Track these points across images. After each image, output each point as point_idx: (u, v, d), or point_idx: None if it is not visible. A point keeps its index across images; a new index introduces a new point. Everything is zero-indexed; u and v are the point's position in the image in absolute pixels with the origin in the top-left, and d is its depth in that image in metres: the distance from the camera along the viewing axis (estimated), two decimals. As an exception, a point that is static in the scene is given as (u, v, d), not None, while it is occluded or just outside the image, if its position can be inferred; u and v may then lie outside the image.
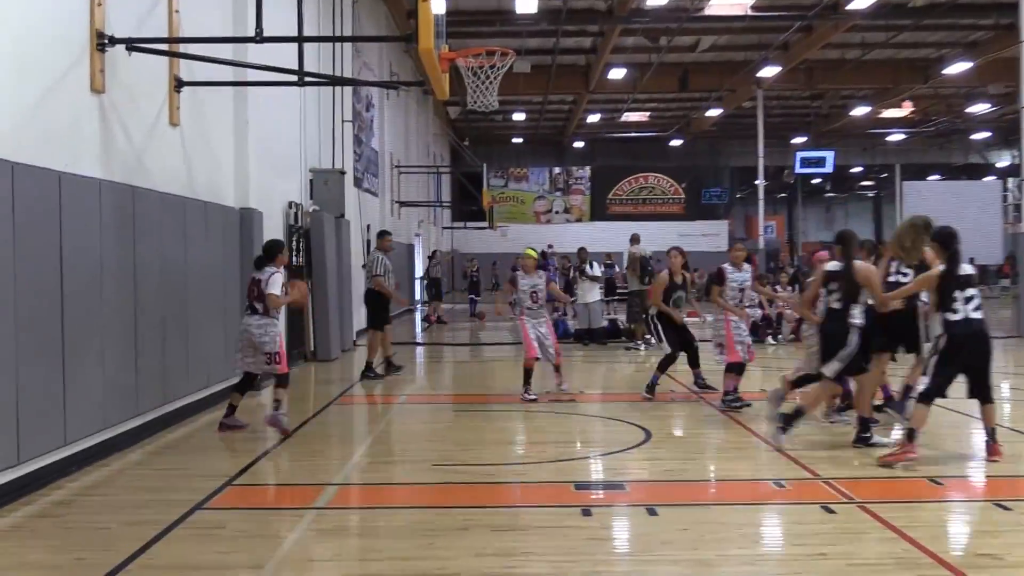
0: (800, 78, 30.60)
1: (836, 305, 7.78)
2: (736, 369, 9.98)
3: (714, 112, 34.94)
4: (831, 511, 6.04)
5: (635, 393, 11.06)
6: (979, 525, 5.70)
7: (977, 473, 7.28)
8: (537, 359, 10.74)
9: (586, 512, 6.01)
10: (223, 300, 10.46)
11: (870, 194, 57.05)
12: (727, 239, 43.51)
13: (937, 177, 45.76)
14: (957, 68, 26.63)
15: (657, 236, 41.92)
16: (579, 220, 43.27)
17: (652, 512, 6.02)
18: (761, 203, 31.96)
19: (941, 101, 34.87)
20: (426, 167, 30.93)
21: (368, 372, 12.72)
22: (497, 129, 42.14)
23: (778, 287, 18.12)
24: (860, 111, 34.04)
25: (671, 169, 43.36)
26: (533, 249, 11.73)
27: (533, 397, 10.57)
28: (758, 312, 17.36)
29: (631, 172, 43.37)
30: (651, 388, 10.75)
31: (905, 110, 35.47)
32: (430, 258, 26.36)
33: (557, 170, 44.32)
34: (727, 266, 10.28)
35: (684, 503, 6.38)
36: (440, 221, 38.47)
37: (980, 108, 33.41)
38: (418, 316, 25.69)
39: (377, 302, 13.01)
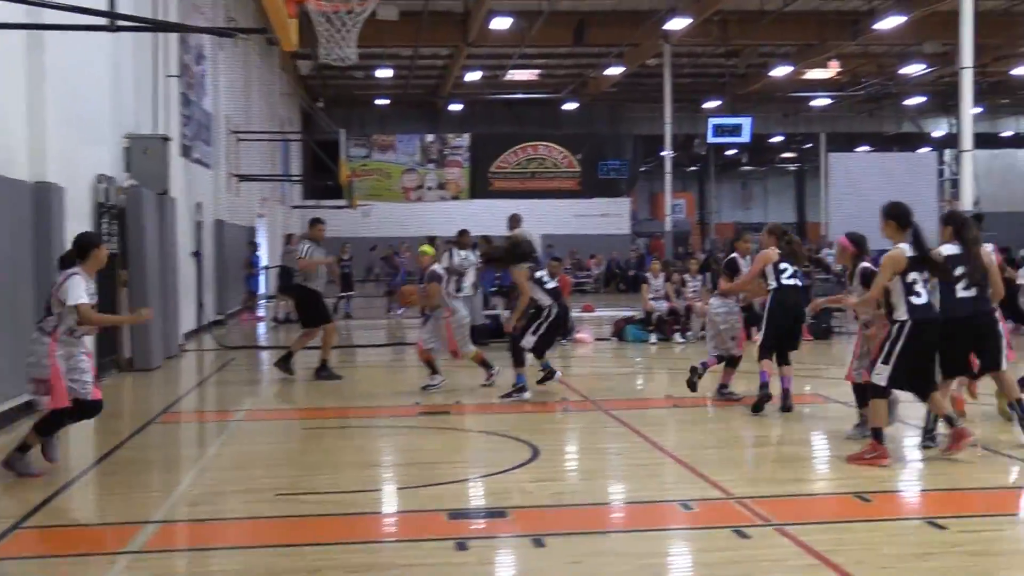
0: (713, 32, 31.24)
1: (969, 293, 8.11)
2: (733, 363, 11.13)
3: (614, 71, 35.42)
4: (745, 536, 6.18)
5: (520, 403, 11.17)
6: (910, 547, 5.91)
7: (910, 487, 7.59)
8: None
9: (461, 546, 6.00)
10: (10, 301, 10.07)
11: (792, 167, 58.81)
12: (629, 220, 44.26)
13: (866, 148, 47.54)
14: (890, 23, 27.62)
15: (549, 216, 42.55)
16: (456, 198, 43.32)
17: (539, 543, 6.06)
18: (668, 177, 32.57)
19: (872, 61, 36.13)
20: (271, 134, 30.46)
21: (321, 371, 13.31)
22: (358, 88, 41.83)
23: (687, 276, 18.47)
24: (781, 71, 34.99)
25: (564, 138, 43.77)
26: (429, 246, 12.86)
27: (436, 383, 11.93)
28: (663, 305, 17.77)
29: (517, 141, 43.61)
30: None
31: (831, 71, 36.62)
32: (287, 242, 26.00)
33: (430, 138, 44.24)
34: (737, 256, 11.32)
35: (576, 531, 6.44)
36: (289, 199, 37.96)
37: (915, 69, 34.76)
38: (263, 314, 25.29)
39: (307, 298, 13.54)
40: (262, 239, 29.47)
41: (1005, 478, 8.08)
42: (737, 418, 10.82)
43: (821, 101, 42.02)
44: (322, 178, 32.48)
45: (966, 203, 18.86)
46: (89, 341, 8.88)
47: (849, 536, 6.11)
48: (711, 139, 37.53)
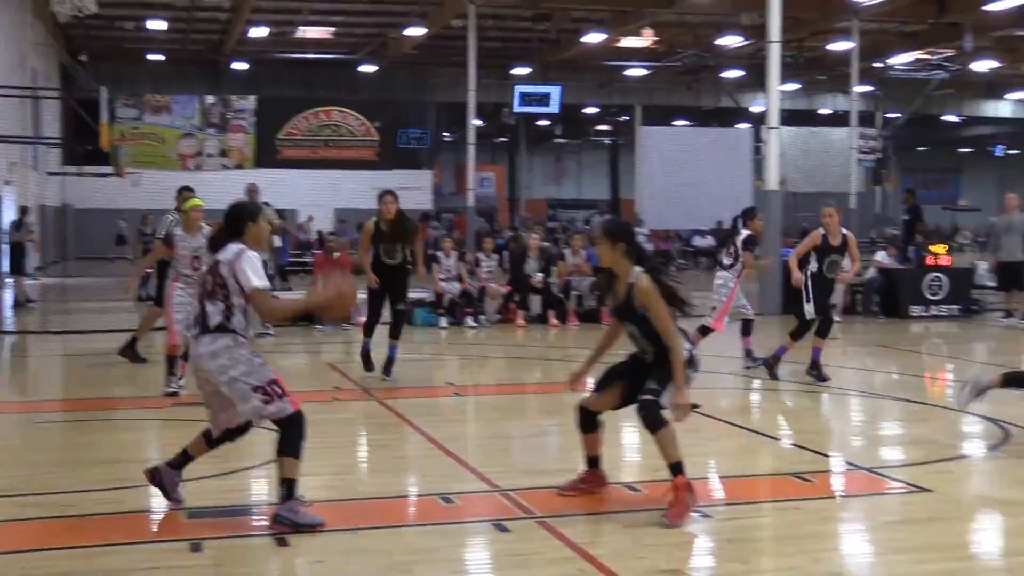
0: (523, -7, 31.69)
1: None
2: (706, 333, 12.74)
3: (416, 32, 35.44)
4: (504, 529, 6.40)
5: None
6: (668, 536, 6.22)
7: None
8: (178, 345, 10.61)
9: (196, 547, 6.00)
10: None
11: (607, 141, 60.02)
12: (432, 194, 44.37)
13: (684, 122, 48.96)
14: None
15: (343, 189, 42.30)
16: (240, 166, 42.44)
17: (283, 542, 6.12)
18: (471, 149, 32.81)
19: (688, 31, 37.21)
20: (21, 89, 29.26)
21: (128, 350, 13.41)
22: (128, 42, 40.51)
23: (481, 256, 18.73)
24: (594, 38, 35.67)
25: (361, 103, 43.49)
26: (199, 199, 11.63)
27: (174, 389, 10.73)
28: (455, 287, 17.95)
29: (309, 106, 43.02)
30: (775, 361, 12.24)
31: (647, 40, 37.52)
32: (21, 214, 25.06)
33: (211, 100, 43.21)
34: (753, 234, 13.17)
35: (323, 529, 6.50)
36: (43, 164, 36.58)
37: (732, 41, 35.95)
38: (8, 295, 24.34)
39: (164, 274, 13.20)
40: (8, 209, 28.23)
41: (767, 464, 8.62)
42: (518, 407, 11.13)
43: (637, 71, 43.01)
44: (85, 142, 31.42)
45: (772, 183, 19.67)
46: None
47: (611, 527, 6.39)
48: (517, 108, 37.92)
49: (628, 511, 6.83)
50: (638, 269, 6.55)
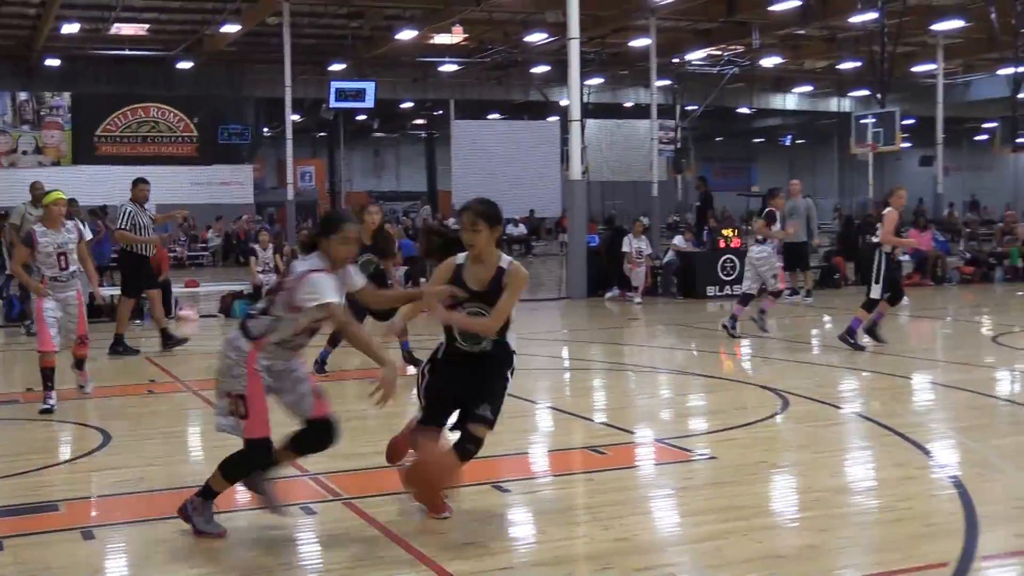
0: (336, -9, 31.41)
1: None
2: (777, 294, 15.06)
3: (231, 28, 34.71)
4: (312, 511, 6.41)
5: (101, 386, 10.85)
6: (470, 512, 6.30)
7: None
8: (56, 352, 9.80)
9: (-4, 546, 5.82)
10: None
11: (423, 135, 60.04)
12: (252, 188, 43.63)
13: (496, 115, 49.30)
14: (512, -12, 28.84)
15: (165, 184, 41.10)
16: (57, 163, 40.89)
17: (89, 536, 6.03)
18: (289, 144, 32.49)
19: (497, 28, 37.42)
20: None
21: (117, 347, 13.35)
22: (-68, 37, 38.61)
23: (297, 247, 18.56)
24: (407, 35, 35.57)
25: (179, 100, 42.36)
26: (62, 192, 10.36)
27: (50, 406, 9.67)
28: (273, 278, 17.71)
29: (127, 102, 41.64)
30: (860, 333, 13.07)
31: (458, 36, 37.69)
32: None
33: (23, 96, 41.50)
34: (775, 209, 14.86)
35: (132, 520, 6.38)
36: None
37: (538, 38, 36.34)
38: None
39: (128, 263, 13.62)
40: None
41: (566, 439, 8.80)
42: (335, 393, 11.00)
43: (449, 67, 43.08)
44: None
45: (575, 172, 20.03)
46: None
47: (411, 506, 6.41)
48: (333, 103, 37.55)
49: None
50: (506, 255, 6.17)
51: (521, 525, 6.37)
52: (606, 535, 5.91)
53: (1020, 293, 21.75)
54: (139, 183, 13.62)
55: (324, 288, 5.59)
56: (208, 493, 5.96)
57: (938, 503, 6.47)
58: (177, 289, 18.37)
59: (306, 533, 6.15)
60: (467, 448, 6.05)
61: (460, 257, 6.16)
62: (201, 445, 8.73)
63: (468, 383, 6.13)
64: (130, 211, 13.21)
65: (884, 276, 12.84)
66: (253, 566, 5.53)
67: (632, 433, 8.91)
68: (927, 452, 7.73)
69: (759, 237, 14.86)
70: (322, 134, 54.65)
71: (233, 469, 5.99)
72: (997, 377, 11.79)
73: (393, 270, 12.02)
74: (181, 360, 13.27)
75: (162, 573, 5.48)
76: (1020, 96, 35.23)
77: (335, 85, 37.23)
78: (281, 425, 6.12)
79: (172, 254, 22.29)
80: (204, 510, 5.94)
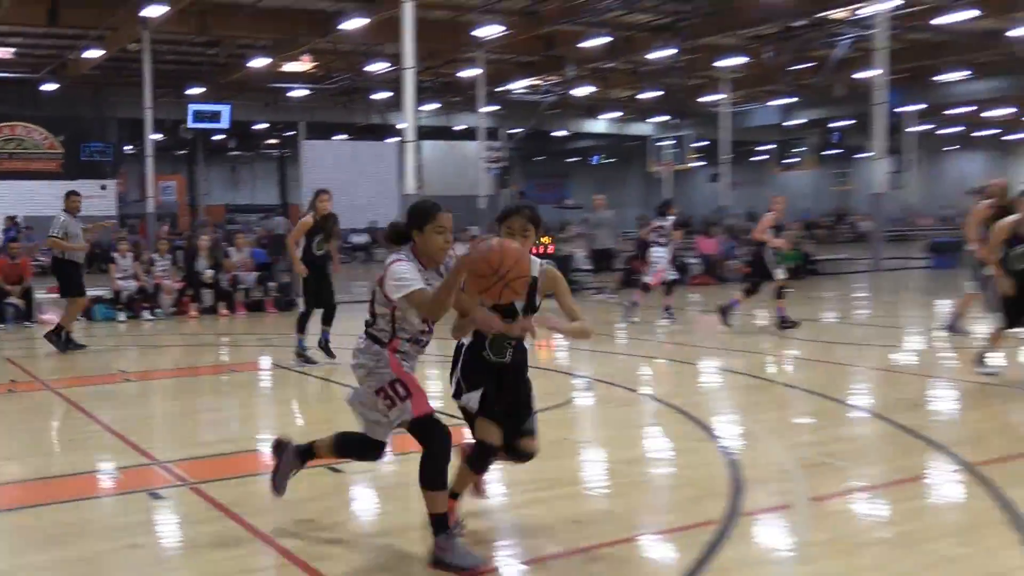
0: (192, 22, 30.49)
1: None
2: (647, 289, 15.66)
3: (94, 54, 33.44)
4: (160, 496, 6.23)
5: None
6: (306, 492, 6.21)
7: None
8: None
9: None
10: None
11: (276, 153, 59.11)
12: (116, 202, 42.13)
13: (343, 137, 48.84)
14: (353, 24, 28.61)
15: (32, 198, 39.37)
16: (-75, 178, 38.83)
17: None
18: (149, 161, 31.52)
19: (341, 57, 37.05)
20: None
21: (57, 336, 13.06)
22: None
23: (156, 256, 18.03)
24: (260, 63, 34.90)
25: (44, 119, 40.60)
26: None
27: None
28: (132, 284, 17.19)
29: (-6, 121, 39.92)
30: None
31: (306, 64, 37.10)
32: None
33: None
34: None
35: (-11, 509, 6.11)
36: None
37: (379, 67, 36.12)
38: None
39: (64, 268, 13.23)
40: None
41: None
42: (186, 388, 10.81)
43: (299, 92, 42.46)
44: None
45: (409, 188, 19.99)
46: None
47: (254, 488, 6.30)
48: (192, 124, 36.74)
49: (266, 473, 6.77)
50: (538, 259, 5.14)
51: (355, 502, 6.34)
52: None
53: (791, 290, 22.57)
54: (71, 195, 13.40)
55: (405, 276, 4.79)
56: (440, 525, 4.86)
57: (711, 470, 6.66)
58: (41, 295, 17.56)
59: (156, 517, 5.97)
60: (525, 460, 5.38)
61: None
62: (47, 439, 8.42)
63: (503, 394, 5.18)
64: (63, 220, 12.98)
65: (760, 268, 13.97)
66: (99, 551, 5.33)
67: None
68: (706, 427, 7.98)
69: (661, 240, 15.58)
70: (182, 152, 53.18)
71: (430, 474, 4.87)
72: (768, 362, 12.24)
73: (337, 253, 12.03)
74: (42, 360, 12.74)
75: (6, 560, 5.25)
76: (786, 124, 36.83)
77: (193, 107, 36.36)
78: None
79: (36, 263, 21.31)
80: (449, 546, 4.83)
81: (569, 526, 5.51)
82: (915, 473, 6.64)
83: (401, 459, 7.32)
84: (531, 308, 5.07)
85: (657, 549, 5.29)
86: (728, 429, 8.08)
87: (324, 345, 11.43)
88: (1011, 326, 9.57)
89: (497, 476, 6.69)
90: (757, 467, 6.70)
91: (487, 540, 5.32)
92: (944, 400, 9.49)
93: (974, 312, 12.67)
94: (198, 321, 17.40)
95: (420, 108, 35.20)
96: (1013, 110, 49.41)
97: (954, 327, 12.73)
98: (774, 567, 4.93)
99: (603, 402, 9.56)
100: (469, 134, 43.56)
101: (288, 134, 51.78)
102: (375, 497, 6.34)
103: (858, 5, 28.53)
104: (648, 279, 15.73)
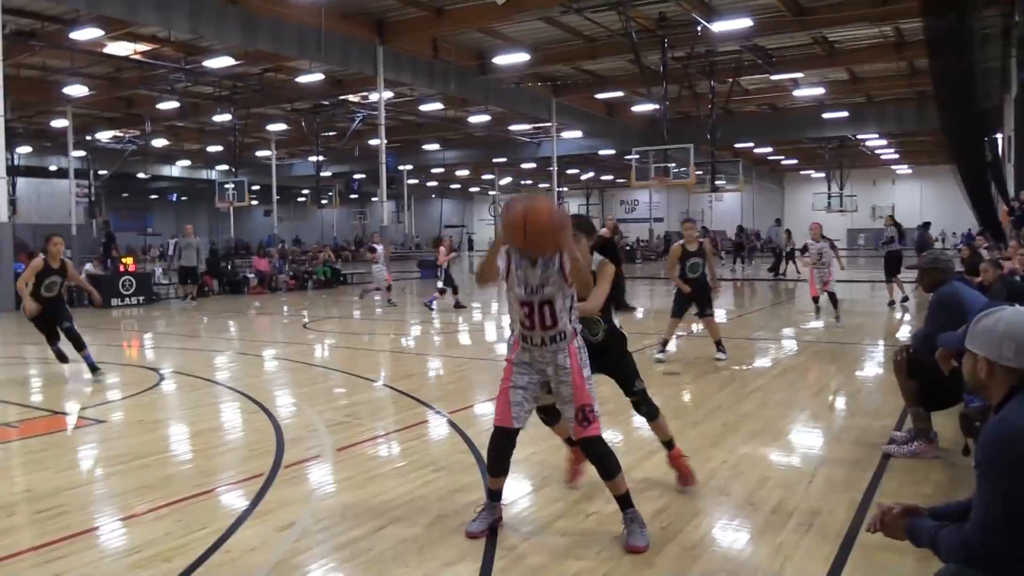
0: None
1: None
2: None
3: None
4: None
5: None
6: (20, 466, 5.09)
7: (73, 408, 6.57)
8: None
9: None
10: None
11: None
12: None
13: None
14: None
15: None
16: None
17: None
18: None
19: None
20: None
21: None
22: None
23: None
24: None
25: None
26: None
27: None
28: None
29: None
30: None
31: None
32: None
33: None
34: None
35: None
36: None
37: None
38: None
39: None
40: None
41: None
42: None
43: None
44: None
45: (2, 217, 17.12)
46: None
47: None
48: None
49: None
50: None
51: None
52: (11, 488, 5.10)
53: (324, 296, 22.68)
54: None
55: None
56: (625, 501, 4.09)
57: (260, 434, 6.44)
58: None
59: None
60: (650, 410, 4.73)
61: None
62: None
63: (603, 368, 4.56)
64: None
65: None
66: None
67: (54, 411, 7.80)
68: (258, 403, 7.69)
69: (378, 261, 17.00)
70: None
71: (606, 459, 4.04)
72: (313, 349, 12.12)
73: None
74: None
75: None
76: (321, 175, 37.09)
77: None
78: None
79: None
80: (636, 519, 4.06)
81: (140, 491, 5.01)
82: (410, 423, 6.90)
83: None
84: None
85: (219, 499, 4.98)
86: (272, 401, 7.85)
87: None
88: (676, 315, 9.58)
89: (80, 457, 5.94)
90: (293, 429, 6.57)
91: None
92: (429, 371, 9.99)
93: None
94: None
95: (15, 150, 30.60)
96: (468, 172, 53.88)
97: (430, 305, 14.46)
98: (304, 505, 4.84)
99: (178, 389, 8.85)
100: (63, 173, 38.51)
101: None
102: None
103: (366, 92, 29.49)
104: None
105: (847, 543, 4.04)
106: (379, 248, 19.26)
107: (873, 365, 9.70)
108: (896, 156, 48.05)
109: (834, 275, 13.62)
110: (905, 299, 16.51)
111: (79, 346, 9.04)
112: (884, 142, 42.70)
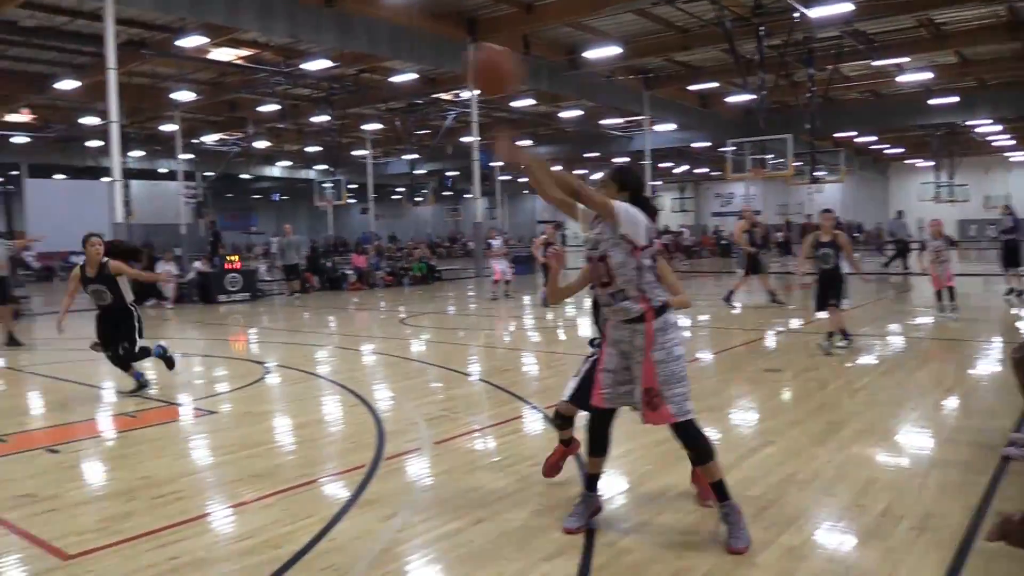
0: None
1: None
2: None
3: None
4: None
5: None
6: (25, 471, 5.44)
7: (36, 424, 7.01)
8: None
9: None
10: None
11: (2, 190, 51.67)
12: None
13: (63, 176, 43.55)
14: (67, 85, 25.79)
15: None
16: None
17: None
18: None
19: (59, 111, 33.03)
20: None
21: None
22: None
23: None
24: (-22, 114, 30.26)
25: None
26: None
27: None
28: None
29: None
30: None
31: (27, 116, 32.78)
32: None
33: None
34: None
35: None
36: None
37: (92, 120, 32.53)
38: None
39: None
40: None
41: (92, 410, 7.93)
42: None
43: (21, 139, 37.29)
44: None
45: (118, 217, 18.12)
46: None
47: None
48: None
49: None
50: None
51: (69, 475, 5.58)
52: (132, 475, 5.38)
53: (420, 292, 23.04)
54: None
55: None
56: (721, 491, 4.00)
57: (361, 427, 6.59)
58: None
59: None
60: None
61: None
62: None
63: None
64: None
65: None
66: None
67: (169, 402, 8.20)
68: (359, 396, 7.88)
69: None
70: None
71: (703, 446, 3.98)
72: (410, 344, 12.33)
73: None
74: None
75: None
76: (415, 172, 37.67)
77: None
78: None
79: None
80: (733, 514, 3.99)
81: (251, 481, 5.20)
82: (507, 418, 6.94)
83: (102, 440, 6.62)
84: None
85: (323, 489, 5.12)
86: (373, 394, 8.01)
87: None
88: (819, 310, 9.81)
89: (192, 446, 6.21)
90: (393, 423, 6.68)
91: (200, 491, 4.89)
92: (524, 366, 10.01)
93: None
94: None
95: (128, 154, 32.23)
96: (561, 168, 53.63)
97: (729, 299, 15.03)
98: (405, 496, 4.92)
99: (282, 381, 9.15)
100: (172, 175, 40.43)
101: (11, 173, 45.31)
102: (81, 471, 5.62)
103: (458, 90, 29.81)
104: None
105: (963, 550, 3.83)
106: (494, 243, 19.64)
107: (989, 362, 9.17)
108: (1012, 143, 45.28)
109: (952, 271, 13.19)
110: (1022, 292, 15.54)
111: (123, 367, 8.32)
112: (998, 128, 40.28)
